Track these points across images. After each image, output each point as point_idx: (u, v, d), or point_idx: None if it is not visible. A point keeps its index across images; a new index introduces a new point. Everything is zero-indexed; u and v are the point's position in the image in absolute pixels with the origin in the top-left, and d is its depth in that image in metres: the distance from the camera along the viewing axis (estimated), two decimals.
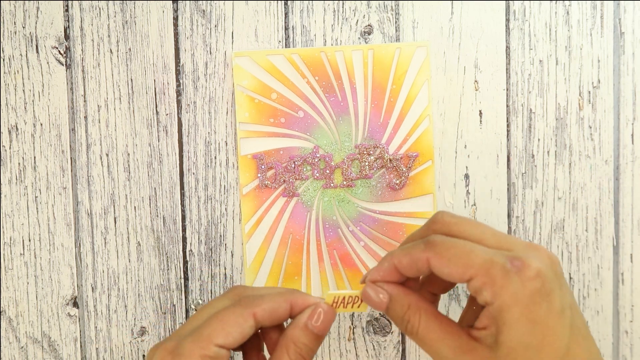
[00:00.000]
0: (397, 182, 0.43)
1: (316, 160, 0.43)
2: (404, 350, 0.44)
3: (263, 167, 0.42)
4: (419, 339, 0.33)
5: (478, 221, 0.33)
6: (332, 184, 0.43)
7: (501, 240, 0.31)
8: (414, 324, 0.33)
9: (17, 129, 0.43)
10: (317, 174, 0.43)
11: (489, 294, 0.30)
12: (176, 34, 0.43)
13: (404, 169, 0.43)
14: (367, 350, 0.44)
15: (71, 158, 0.43)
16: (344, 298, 0.36)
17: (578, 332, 0.30)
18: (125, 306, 0.44)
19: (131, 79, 0.43)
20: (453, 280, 0.31)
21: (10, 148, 0.43)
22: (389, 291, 0.34)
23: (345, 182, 0.43)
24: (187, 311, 0.44)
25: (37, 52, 0.43)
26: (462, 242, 0.31)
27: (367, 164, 0.43)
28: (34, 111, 0.43)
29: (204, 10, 0.43)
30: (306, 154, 0.43)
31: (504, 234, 0.32)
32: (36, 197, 0.43)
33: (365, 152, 0.43)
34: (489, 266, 0.30)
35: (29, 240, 0.44)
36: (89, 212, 0.43)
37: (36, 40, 0.43)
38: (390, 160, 0.43)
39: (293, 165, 0.43)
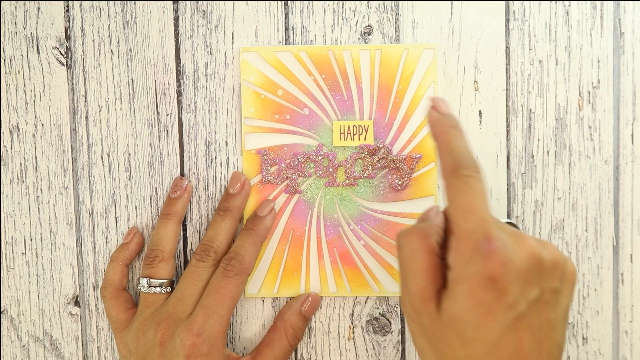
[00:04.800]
0: (400, 182, 0.43)
1: (320, 158, 0.43)
2: (403, 350, 0.44)
3: (267, 162, 0.42)
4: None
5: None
6: (334, 182, 0.43)
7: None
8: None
9: (18, 129, 0.43)
10: (320, 172, 0.43)
11: (452, 259, 0.31)
12: (177, 35, 0.43)
13: (407, 170, 0.43)
14: (366, 349, 0.44)
15: (72, 158, 0.44)
16: (348, 127, 0.42)
17: (525, 328, 0.30)
18: None
19: (132, 79, 0.43)
20: (449, 217, 0.32)
21: (11, 148, 0.43)
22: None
23: (347, 181, 0.43)
24: None
25: (38, 52, 0.43)
26: (481, 196, 0.31)
27: (370, 163, 0.43)
28: (35, 111, 0.43)
29: (204, 11, 0.43)
30: (310, 151, 0.43)
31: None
32: (37, 196, 0.44)
33: (369, 152, 0.43)
34: (468, 234, 0.30)
35: (31, 240, 0.44)
36: (90, 211, 0.44)
37: (37, 41, 0.43)
38: (393, 160, 0.43)
39: (296, 162, 0.43)
